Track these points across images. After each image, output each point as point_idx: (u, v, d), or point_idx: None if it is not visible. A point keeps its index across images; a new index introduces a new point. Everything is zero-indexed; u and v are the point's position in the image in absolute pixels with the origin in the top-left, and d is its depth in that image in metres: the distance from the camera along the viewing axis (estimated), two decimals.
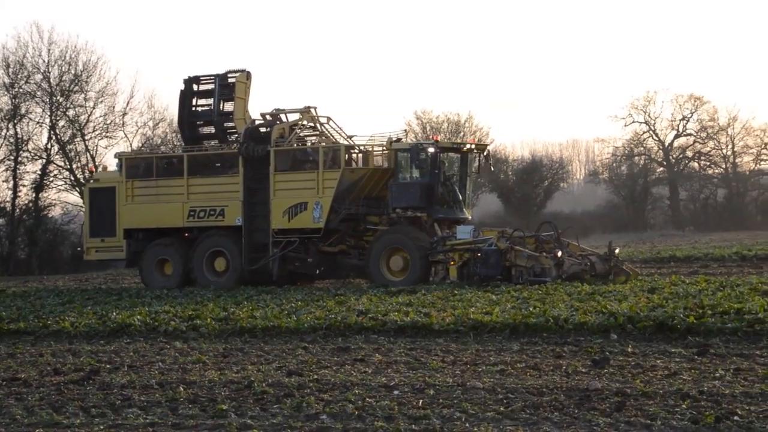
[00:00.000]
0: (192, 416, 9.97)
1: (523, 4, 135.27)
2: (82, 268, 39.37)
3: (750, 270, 25.77)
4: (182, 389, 11.26)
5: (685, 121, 71.34)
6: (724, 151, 72.25)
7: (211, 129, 27.68)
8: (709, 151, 72.24)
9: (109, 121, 45.26)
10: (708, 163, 72.72)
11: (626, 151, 71.47)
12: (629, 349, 13.00)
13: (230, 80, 27.23)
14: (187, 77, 27.69)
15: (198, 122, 27.89)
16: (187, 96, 27.67)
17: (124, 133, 45.46)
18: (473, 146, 25.85)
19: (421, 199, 24.59)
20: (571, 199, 76.25)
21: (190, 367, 13.00)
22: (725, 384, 10.42)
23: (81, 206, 44.55)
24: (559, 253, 22.64)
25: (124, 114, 45.42)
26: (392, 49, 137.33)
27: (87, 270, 38.71)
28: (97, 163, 43.20)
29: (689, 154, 72.29)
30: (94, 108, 44.91)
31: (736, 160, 72.34)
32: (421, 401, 10.15)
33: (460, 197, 25.31)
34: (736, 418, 8.83)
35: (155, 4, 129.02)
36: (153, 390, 11.39)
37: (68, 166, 44.16)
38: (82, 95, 44.79)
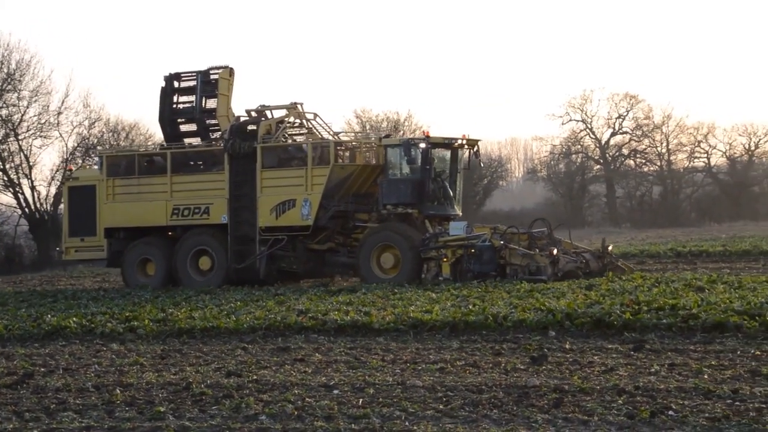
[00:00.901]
0: (129, 419, 9.84)
1: (462, 3, 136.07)
2: (15, 270, 38.68)
3: (684, 266, 26.24)
4: (119, 392, 11.11)
5: (621, 120, 72.29)
6: (659, 148, 73.36)
7: (193, 126, 27.23)
8: (645, 149, 73.32)
9: (43, 121, 44.48)
10: (643, 161, 73.80)
11: (564, 149, 72.26)
12: (567, 346, 13.14)
13: (212, 77, 26.82)
14: (167, 74, 27.26)
15: (179, 120, 27.41)
16: (167, 93, 27.18)
17: (59, 133, 44.81)
18: (464, 142, 25.34)
19: (412, 196, 24.20)
20: (510, 197, 76.92)
21: (127, 369, 12.84)
22: (660, 379, 10.57)
23: (15, 207, 43.83)
24: (555, 251, 22.33)
25: (59, 113, 44.74)
26: (343, 46, 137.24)
27: (21, 272, 38.05)
28: (31, 163, 42.53)
29: (625, 151, 73.27)
30: (27, 107, 44.09)
31: (671, 158, 73.53)
32: (361, 400, 10.14)
33: (451, 193, 24.89)
34: (670, 412, 8.96)
35: (95, 3, 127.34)
36: (89, 393, 11.22)
37: (1, 167, 43.38)
38: (15, 94, 43.99)
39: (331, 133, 26.21)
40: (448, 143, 25.05)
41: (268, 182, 25.08)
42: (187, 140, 27.41)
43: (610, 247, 23.73)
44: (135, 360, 13.47)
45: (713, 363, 11.38)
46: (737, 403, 9.22)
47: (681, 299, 15.87)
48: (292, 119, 26.36)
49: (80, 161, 44.67)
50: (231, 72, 26.81)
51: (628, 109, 71.86)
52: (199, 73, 26.90)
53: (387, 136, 25.15)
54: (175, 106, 27.27)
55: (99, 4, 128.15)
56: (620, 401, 9.53)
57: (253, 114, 26.20)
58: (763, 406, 9.04)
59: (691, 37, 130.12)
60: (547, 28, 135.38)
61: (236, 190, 25.30)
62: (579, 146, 71.76)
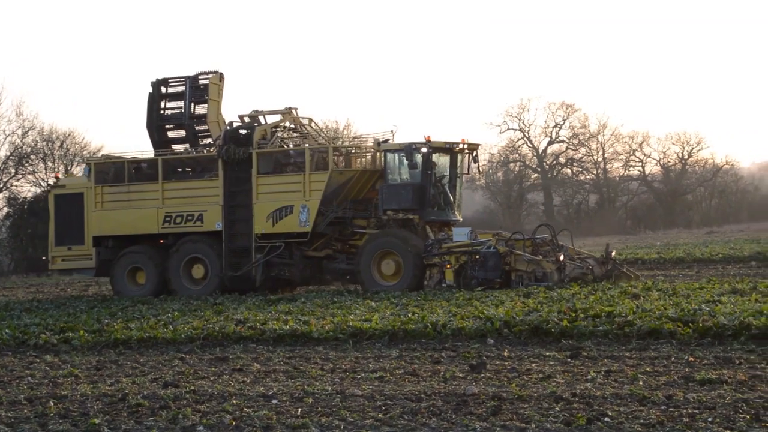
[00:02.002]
0: (62, 431, 9.68)
1: (400, 9, 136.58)
2: None
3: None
4: (52, 404, 10.91)
5: (557, 128, 73.22)
6: (595, 157, 74.41)
7: (182, 133, 26.81)
8: (581, 158, 74.29)
9: None
10: (580, 170, 74.77)
11: (502, 158, 72.93)
12: (505, 354, 13.22)
13: (202, 82, 26.51)
14: (155, 79, 26.86)
15: (167, 126, 26.98)
16: (155, 99, 26.77)
17: None
18: (465, 146, 24.97)
19: (413, 201, 23.85)
20: None
21: (61, 380, 12.62)
22: (597, 386, 10.68)
23: None
24: (562, 257, 22.06)
25: None
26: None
27: None
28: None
29: (562, 160, 74.19)
30: None
31: (607, 166, 74.58)
32: (299, 410, 10.08)
33: (452, 199, 24.59)
34: (606, 419, 9.05)
35: (31, 9, 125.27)
36: (21, 405, 11.00)
37: None
38: None
39: (326, 138, 25.76)
40: (449, 148, 24.60)
41: (264, 188, 24.71)
42: (175, 147, 26.95)
43: (613, 253, 23.43)
44: (69, 371, 13.24)
45: (648, 369, 11.54)
46: (671, 409, 9.35)
47: (617, 306, 16.07)
48: (287, 124, 25.95)
49: (13, 171, 43.91)
50: (221, 77, 26.51)
51: (565, 118, 72.85)
52: (187, 78, 26.56)
53: (385, 141, 24.75)
54: (162, 112, 26.84)
55: (35, 9, 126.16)
56: (557, 408, 9.61)
57: (246, 119, 25.78)
58: (697, 411, 9.19)
59: (626, 46, 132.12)
60: (485, 37, 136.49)
61: (231, 197, 24.93)
62: (517, 155, 72.51)
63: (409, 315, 16.58)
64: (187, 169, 26.33)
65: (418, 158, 23.75)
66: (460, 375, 11.78)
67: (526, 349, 13.56)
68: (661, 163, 75.32)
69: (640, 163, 75.29)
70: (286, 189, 24.63)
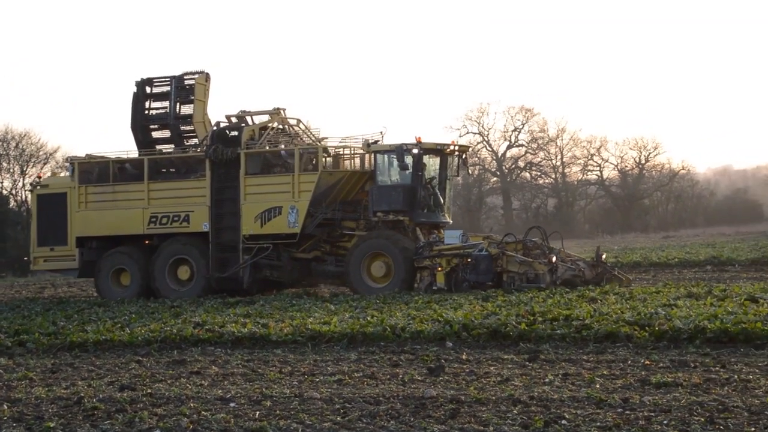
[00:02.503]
0: None
1: (355, 13, 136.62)
2: None
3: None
4: (6, 407, 10.76)
5: (516, 132, 73.65)
6: (554, 161, 74.97)
7: (167, 133, 26.48)
8: (540, 162, 74.79)
9: None
10: (539, 173, 75.28)
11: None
12: (464, 357, 13.26)
13: (187, 82, 26.24)
14: (139, 79, 26.53)
15: (152, 126, 26.63)
16: (139, 99, 26.44)
17: None
18: (456, 147, 24.88)
19: (404, 203, 23.70)
20: None
21: (15, 384, 12.45)
22: (554, 389, 10.75)
23: None
24: (554, 258, 21.92)
25: None
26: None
27: None
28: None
29: (521, 164, 74.64)
30: None
31: (565, 171, 75.13)
32: (257, 413, 10.04)
33: (442, 200, 24.46)
34: (563, 422, 9.11)
35: None
36: None
37: None
38: None
39: (314, 139, 25.58)
40: (439, 149, 24.46)
41: (253, 189, 24.46)
42: (159, 147, 26.62)
43: (603, 256, 23.32)
44: (24, 374, 13.07)
45: (605, 372, 11.62)
46: (627, 411, 9.43)
47: (574, 310, 16.18)
48: (276, 125, 25.69)
49: None
50: (207, 77, 26.29)
51: (524, 122, 73.33)
52: (173, 78, 26.31)
53: (375, 142, 24.58)
54: (147, 112, 26.55)
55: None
56: (515, 411, 9.66)
57: (233, 120, 25.51)
58: (652, 414, 9.27)
59: (585, 52, 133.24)
60: (443, 40, 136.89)
61: (218, 197, 24.67)
62: (476, 158, 72.80)
63: (368, 318, 16.57)
64: (172, 170, 25.99)
65: (409, 159, 23.59)
66: (419, 378, 11.80)
67: (485, 353, 13.60)
68: (619, 167, 76.09)
69: (598, 168, 75.97)
70: (274, 190, 24.41)
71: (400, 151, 23.42)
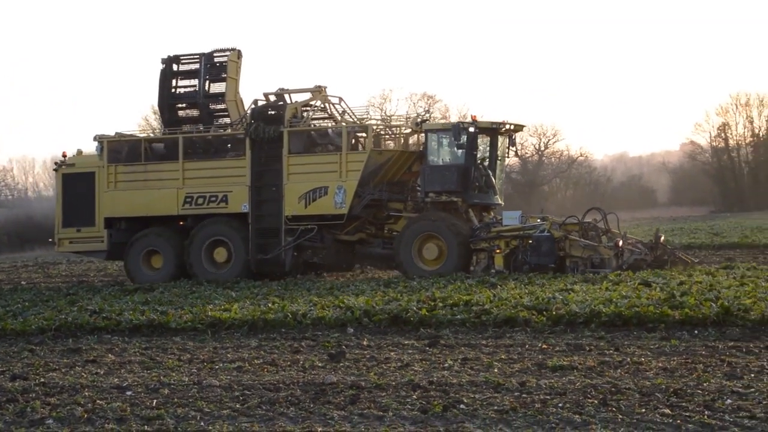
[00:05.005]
0: None
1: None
2: None
3: None
4: None
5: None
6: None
7: (195, 112, 25.37)
8: None
9: None
10: None
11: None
12: (365, 343, 13.29)
13: (217, 59, 25.16)
14: (166, 57, 25.38)
15: (179, 105, 25.57)
16: (167, 76, 25.32)
17: None
18: (511, 127, 23.83)
19: (458, 183, 22.77)
20: None
21: None
22: (453, 374, 10.85)
23: None
24: (621, 242, 21.15)
25: None
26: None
27: None
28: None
29: None
30: None
31: None
32: (155, 401, 9.89)
33: (494, 181, 23.60)
34: (462, 406, 9.20)
35: None
36: None
37: None
38: None
39: (355, 117, 24.67)
40: (494, 128, 23.53)
41: (296, 168, 23.46)
42: (186, 127, 25.46)
43: (662, 238, 22.65)
44: None
45: (503, 357, 11.78)
46: (524, 395, 9.57)
47: (475, 295, 16.38)
48: (319, 103, 24.77)
49: None
50: (239, 54, 25.23)
51: (427, 108, 73.59)
52: (202, 55, 25.23)
53: (423, 121, 23.70)
54: (174, 90, 25.50)
55: None
56: (415, 396, 9.72)
57: (271, 98, 24.48)
58: (548, 397, 9.43)
59: (486, 40, 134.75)
60: (347, 27, 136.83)
61: (258, 177, 23.66)
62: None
63: (270, 305, 16.48)
64: (199, 150, 24.97)
65: (464, 138, 22.68)
66: (320, 364, 11.78)
67: (386, 338, 13.66)
68: (519, 154, 77.06)
69: None
70: (320, 169, 23.44)
71: (457, 129, 22.50)
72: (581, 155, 78.25)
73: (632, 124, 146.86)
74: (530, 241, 21.45)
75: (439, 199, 23.04)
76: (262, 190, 23.74)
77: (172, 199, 24.35)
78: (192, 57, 25.58)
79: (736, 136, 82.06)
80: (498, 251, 21.83)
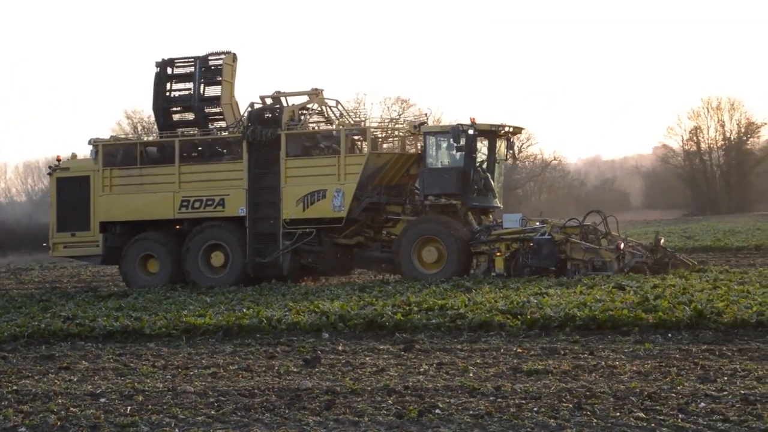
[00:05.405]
0: None
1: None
2: None
3: None
4: None
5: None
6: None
7: (190, 115, 25.17)
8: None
9: None
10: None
11: None
12: (340, 348, 13.27)
13: (212, 63, 24.98)
14: (160, 60, 25.15)
15: (174, 108, 25.31)
16: (161, 80, 25.10)
17: None
18: (510, 129, 23.76)
19: (457, 186, 22.71)
20: None
21: None
22: (429, 378, 10.85)
23: None
24: (622, 245, 21.06)
25: None
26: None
27: None
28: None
29: None
30: None
31: None
32: (128, 408, 9.82)
33: (493, 184, 23.49)
34: (437, 411, 9.20)
35: None
36: None
37: None
38: None
39: (352, 121, 24.63)
40: (493, 131, 23.49)
41: (294, 171, 23.28)
42: (180, 130, 25.28)
43: (662, 241, 22.68)
44: None
45: (478, 361, 11.81)
46: (499, 399, 9.59)
47: (450, 300, 16.40)
48: (315, 106, 24.60)
49: None
50: (234, 57, 25.03)
51: (401, 112, 73.67)
52: (196, 59, 25.04)
53: (422, 124, 23.60)
54: (168, 93, 25.30)
55: None
56: (390, 401, 9.71)
57: (268, 101, 24.31)
58: (523, 401, 9.46)
59: (460, 44, 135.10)
60: (322, 30, 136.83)
61: (256, 181, 23.48)
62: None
63: (244, 310, 16.43)
64: (194, 154, 24.79)
65: (463, 141, 22.60)
66: (295, 370, 11.75)
67: (361, 343, 13.65)
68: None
69: None
70: (318, 172, 23.30)
71: (456, 132, 22.45)
72: (555, 159, 78.59)
73: (605, 127, 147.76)
74: (531, 244, 21.45)
75: (438, 202, 22.99)
76: (260, 193, 23.65)
77: (168, 203, 24.20)
78: (187, 60, 25.49)
79: (707, 139, 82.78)
80: (498, 254, 21.78)
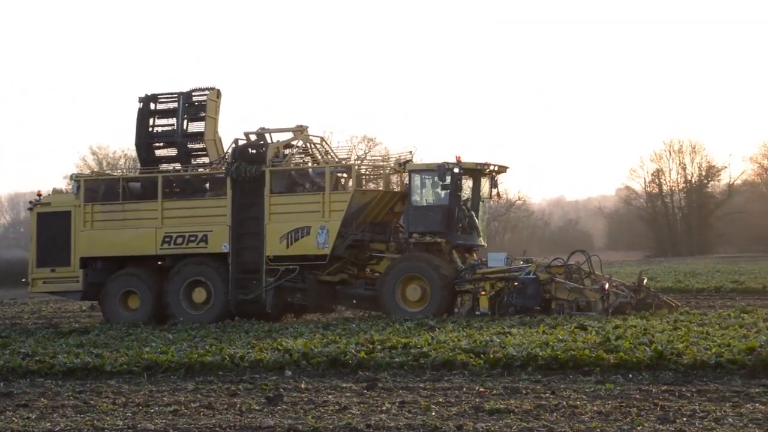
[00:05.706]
0: None
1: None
2: None
3: None
4: None
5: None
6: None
7: (173, 151, 24.98)
8: None
9: None
10: None
11: None
12: (303, 386, 13.24)
13: (196, 98, 24.91)
14: (143, 95, 25.04)
15: (156, 144, 25.17)
16: (144, 115, 24.96)
17: None
18: (495, 168, 23.85)
19: (442, 224, 22.72)
20: None
21: None
22: (391, 417, 10.86)
23: None
24: (607, 286, 21.04)
25: None
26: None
27: None
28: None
29: None
30: None
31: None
32: None
33: (477, 222, 23.53)
34: None
35: None
36: None
37: None
38: None
39: (336, 158, 24.55)
40: (478, 169, 23.56)
41: (278, 208, 23.18)
42: (163, 166, 25.16)
43: (645, 281, 22.63)
44: None
45: (441, 400, 11.82)
46: None
47: (413, 338, 16.42)
48: (299, 143, 24.53)
49: None
50: (218, 93, 25.01)
51: (367, 151, 73.92)
52: (180, 94, 24.98)
53: (407, 162, 23.60)
54: (151, 129, 25.17)
55: None
56: None
57: (252, 137, 24.19)
58: None
59: (424, 81, 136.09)
60: (288, 67, 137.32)
61: (239, 217, 23.32)
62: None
63: (207, 347, 16.34)
64: (176, 189, 24.65)
65: (449, 179, 22.63)
66: (257, 407, 11.70)
67: (324, 381, 13.62)
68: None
69: None
70: (302, 209, 23.21)
71: (442, 170, 22.51)
72: (519, 199, 79.15)
73: (569, 168, 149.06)
74: (516, 284, 21.47)
75: (423, 240, 23.00)
76: (243, 229, 23.53)
77: (150, 239, 24.06)
78: (170, 96, 25.49)
79: (669, 181, 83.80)
80: (483, 293, 21.77)
